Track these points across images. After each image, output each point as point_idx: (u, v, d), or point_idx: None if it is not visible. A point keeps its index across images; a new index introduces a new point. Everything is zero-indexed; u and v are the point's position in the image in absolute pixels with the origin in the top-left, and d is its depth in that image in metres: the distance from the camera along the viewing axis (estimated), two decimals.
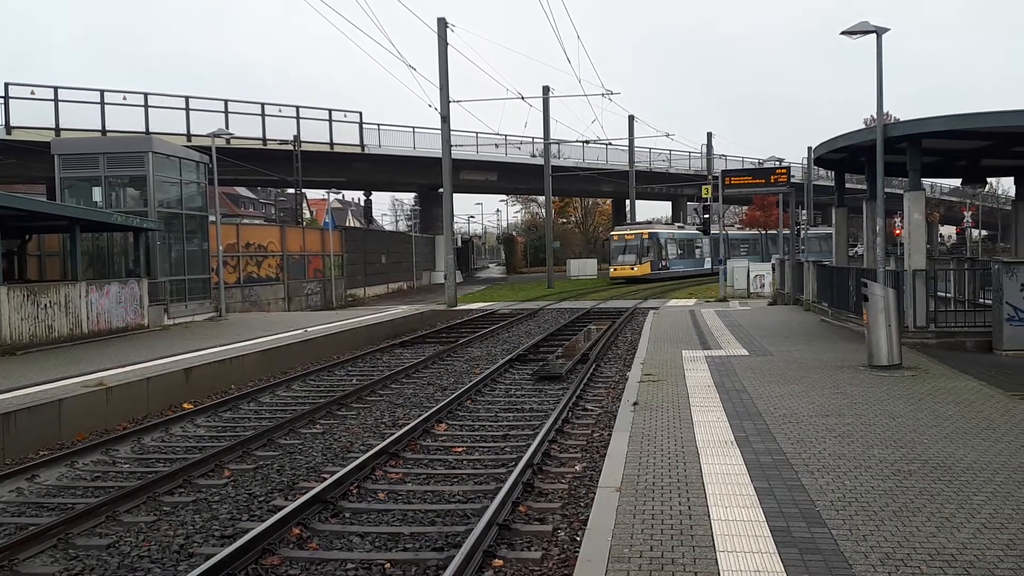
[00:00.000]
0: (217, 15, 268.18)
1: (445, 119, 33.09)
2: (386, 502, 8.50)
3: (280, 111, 46.83)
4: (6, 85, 37.79)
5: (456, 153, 38.93)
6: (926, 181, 36.67)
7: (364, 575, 6.61)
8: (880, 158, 15.80)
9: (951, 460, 7.78)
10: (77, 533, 7.63)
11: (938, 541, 5.73)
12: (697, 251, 67.44)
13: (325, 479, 8.97)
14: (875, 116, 16.74)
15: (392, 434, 11.12)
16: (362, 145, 50.44)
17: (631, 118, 63.55)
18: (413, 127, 53.74)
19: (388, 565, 6.73)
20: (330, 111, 48.84)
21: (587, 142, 59.62)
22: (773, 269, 35.29)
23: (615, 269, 60.24)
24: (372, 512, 8.13)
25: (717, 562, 5.44)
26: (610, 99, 44.18)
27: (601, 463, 8.63)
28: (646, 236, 60.48)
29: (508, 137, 60.00)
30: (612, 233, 63.89)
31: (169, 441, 11.69)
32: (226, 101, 44.18)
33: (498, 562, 6.66)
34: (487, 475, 9.34)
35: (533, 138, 58.94)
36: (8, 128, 37.28)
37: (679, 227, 70.77)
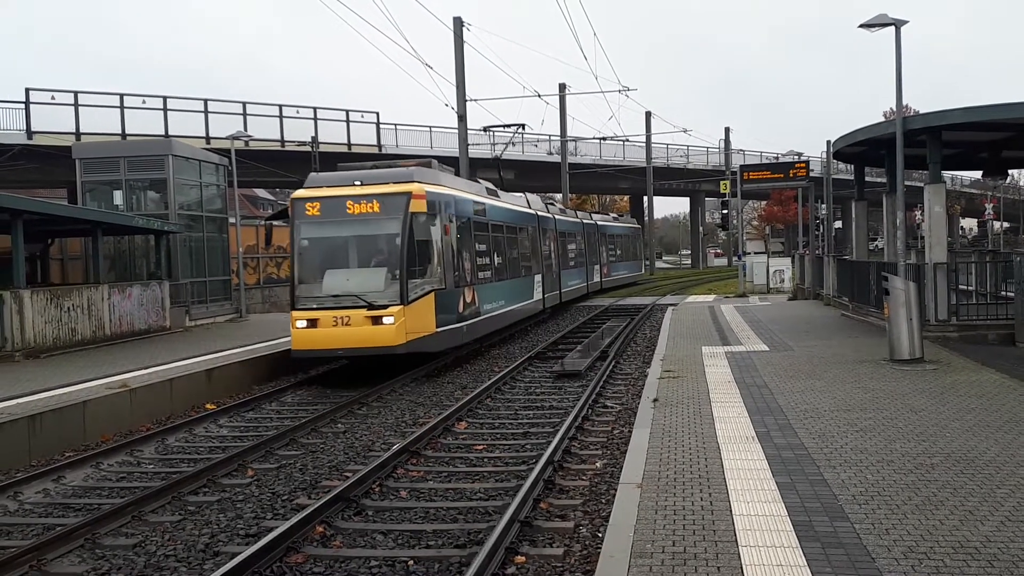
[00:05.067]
0: (232, 18, 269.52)
1: (462, 118, 33.12)
2: (408, 500, 8.54)
3: (298, 112, 46.97)
4: (27, 91, 38.09)
5: (473, 152, 38.90)
6: (946, 173, 36.43)
7: (387, 572, 6.66)
8: (900, 151, 15.69)
9: (974, 453, 7.73)
10: (104, 533, 7.72)
11: (961, 534, 5.71)
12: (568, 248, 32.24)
13: (348, 478, 9.02)
14: (894, 109, 16.62)
15: (413, 432, 11.17)
16: (379, 145, 50.55)
17: (648, 114, 63.34)
18: (430, 126, 53.77)
19: (411, 562, 6.77)
20: (347, 112, 48.96)
21: (604, 139, 59.34)
22: (793, 264, 35.12)
23: (298, 327, 15.63)
24: (394, 510, 8.18)
25: (740, 557, 5.45)
26: (627, 95, 43.82)
27: (622, 460, 8.63)
28: (417, 197, 15.87)
29: (525, 135, 59.87)
30: (301, 192, 16.58)
31: (193, 441, 11.79)
32: (244, 104, 44.36)
33: (520, 559, 6.69)
34: (508, 472, 9.37)
35: (550, 136, 58.74)
36: (29, 133, 37.58)
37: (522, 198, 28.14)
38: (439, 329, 16.11)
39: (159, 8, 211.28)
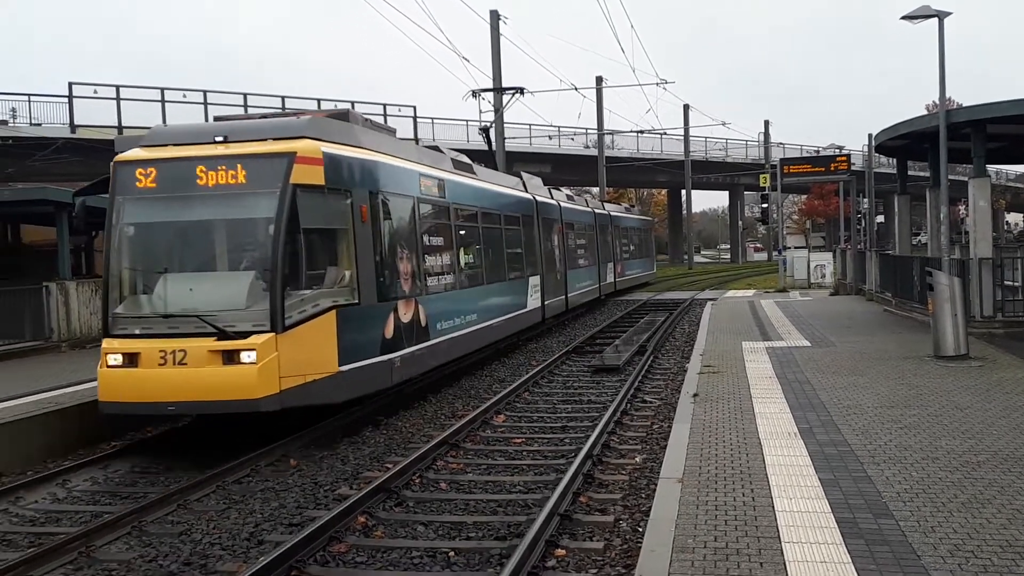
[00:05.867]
0: (274, 16, 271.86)
1: (498, 111, 33.18)
2: (448, 492, 8.60)
3: (336, 107, 47.36)
4: (70, 85, 38.74)
5: (509, 145, 38.89)
6: (991, 167, 35.76)
7: (429, 563, 6.71)
8: (943, 144, 15.45)
9: (1022, 451, 7.61)
10: (150, 521, 7.86)
11: (1009, 533, 5.63)
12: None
13: (388, 469, 9.10)
14: (937, 102, 16.36)
15: (452, 425, 11.23)
16: (416, 139, 50.77)
17: (686, 107, 62.98)
18: (466, 120, 53.85)
19: (452, 553, 6.83)
20: (384, 105, 49.19)
21: (641, 132, 59.21)
22: (834, 258, 34.74)
23: (108, 366, 10.03)
24: (434, 502, 8.24)
25: (782, 552, 5.42)
26: (664, 88, 43.48)
27: (662, 455, 8.61)
28: (306, 161, 10.40)
29: (561, 128, 59.73)
30: (130, 154, 10.75)
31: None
32: (283, 97, 44.69)
33: (560, 552, 6.71)
34: (547, 466, 9.39)
35: (587, 129, 58.61)
36: (73, 127, 38.24)
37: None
38: (346, 367, 10.61)
39: (199, 9, 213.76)
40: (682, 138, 64.48)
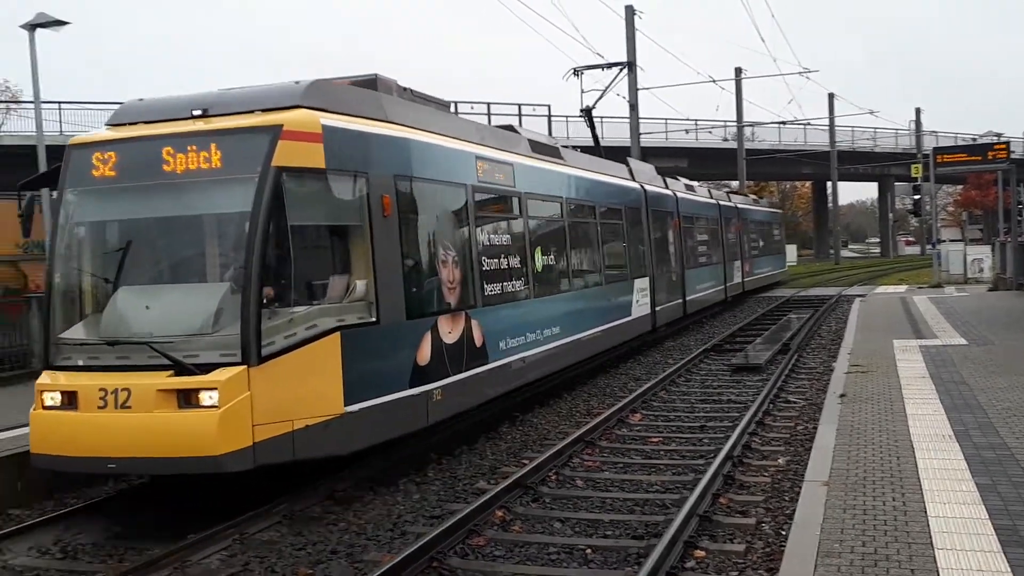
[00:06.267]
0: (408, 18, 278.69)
1: (633, 107, 32.90)
2: (584, 489, 8.62)
3: (472, 108, 48.13)
4: None
5: (644, 140, 38.48)
6: None
7: (566, 559, 6.75)
8: None
9: None
10: (298, 510, 8.17)
11: None
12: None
13: (525, 464, 9.19)
14: None
15: (587, 422, 11.22)
16: (551, 138, 51.05)
17: (831, 96, 60.77)
18: (601, 117, 53.74)
19: (589, 551, 6.84)
20: (519, 106, 49.74)
21: (783, 123, 57.29)
22: (993, 252, 32.79)
23: (44, 406, 7.91)
24: (571, 498, 8.27)
25: (935, 560, 5.17)
26: (807, 78, 41.53)
27: (806, 457, 8.36)
28: (295, 137, 8.01)
29: (698, 122, 58.71)
30: (90, 136, 9.11)
31: None
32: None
33: (700, 553, 6.62)
34: (684, 466, 9.27)
35: (725, 122, 57.39)
36: None
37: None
38: (356, 406, 8.21)
39: (340, 16, 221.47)
40: (827, 128, 62.24)
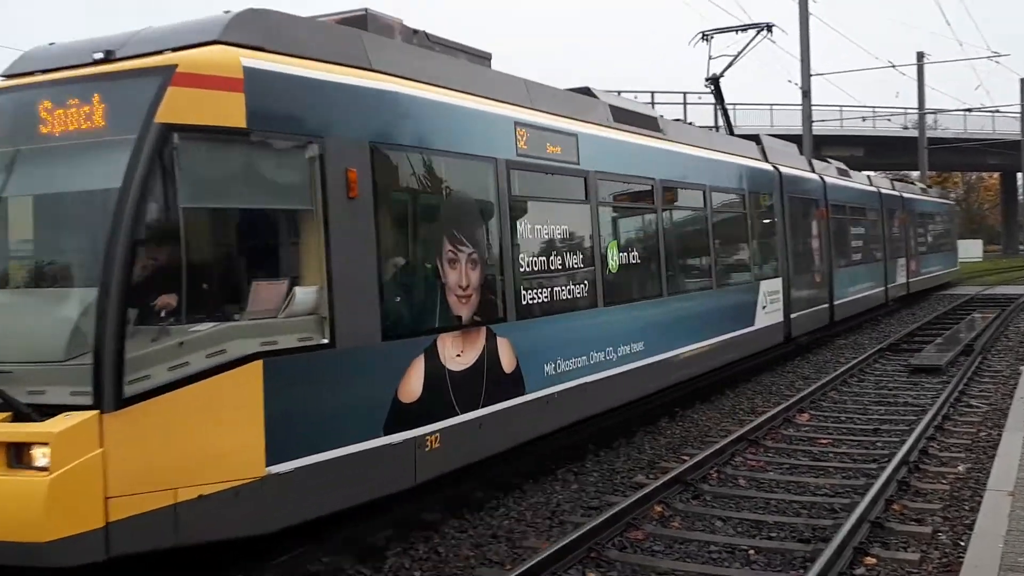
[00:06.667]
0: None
1: (806, 93, 31.76)
2: (747, 489, 8.42)
3: (635, 97, 47.78)
4: None
5: (817, 129, 36.97)
6: None
7: (727, 559, 6.62)
8: None
9: None
10: (458, 494, 8.37)
11: None
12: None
13: (685, 460, 9.07)
14: None
15: (751, 421, 10.94)
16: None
17: (1023, 81, 56.40)
18: (771, 104, 52.10)
19: (752, 552, 6.68)
20: (684, 94, 48.92)
21: (969, 110, 53.81)
22: None
23: None
24: (733, 497, 8.09)
25: None
26: (997, 62, 38.80)
27: (989, 464, 7.90)
28: (190, 82, 5.68)
29: (876, 109, 56.02)
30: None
31: None
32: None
33: (870, 560, 6.34)
34: (856, 469, 8.88)
35: (905, 109, 54.45)
36: None
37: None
38: (285, 466, 5.86)
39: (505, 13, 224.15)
40: (1018, 116, 57.82)
